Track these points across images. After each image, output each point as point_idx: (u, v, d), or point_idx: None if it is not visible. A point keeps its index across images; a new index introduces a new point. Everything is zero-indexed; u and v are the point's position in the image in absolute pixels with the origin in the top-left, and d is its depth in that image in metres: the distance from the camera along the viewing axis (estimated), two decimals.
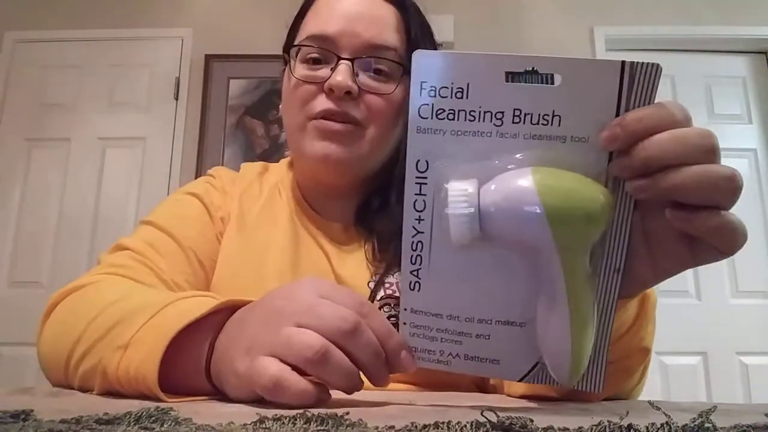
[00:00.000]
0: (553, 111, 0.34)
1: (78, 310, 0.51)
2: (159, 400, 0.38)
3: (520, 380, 0.38)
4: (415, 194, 0.36)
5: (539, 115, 0.34)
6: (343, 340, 0.36)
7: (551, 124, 0.34)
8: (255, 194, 0.74)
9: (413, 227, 0.37)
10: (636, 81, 0.33)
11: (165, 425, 0.26)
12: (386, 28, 0.67)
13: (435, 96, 0.35)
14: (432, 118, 0.35)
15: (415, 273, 0.37)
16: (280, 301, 0.39)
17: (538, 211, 0.32)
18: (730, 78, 2.67)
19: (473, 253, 0.36)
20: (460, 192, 0.34)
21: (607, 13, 2.70)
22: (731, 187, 0.32)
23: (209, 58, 2.65)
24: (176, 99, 2.63)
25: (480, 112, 0.35)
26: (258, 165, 0.79)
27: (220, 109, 2.62)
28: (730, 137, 2.55)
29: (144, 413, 0.27)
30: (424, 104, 0.35)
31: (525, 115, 0.34)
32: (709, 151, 0.32)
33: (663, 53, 2.64)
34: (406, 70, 0.66)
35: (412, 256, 0.37)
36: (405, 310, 0.38)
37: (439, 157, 0.36)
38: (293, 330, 0.36)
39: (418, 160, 0.36)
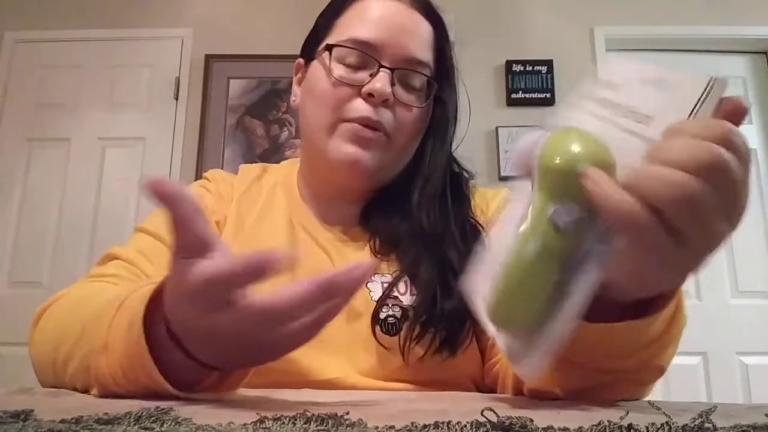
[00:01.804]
0: (650, 116, 0.36)
1: (53, 320, 0.52)
2: (160, 395, 0.38)
3: None
4: None
5: (641, 114, 0.37)
6: None
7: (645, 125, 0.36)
8: (254, 196, 0.74)
9: None
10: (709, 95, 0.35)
11: (165, 425, 0.26)
12: (424, 44, 0.68)
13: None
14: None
15: None
16: None
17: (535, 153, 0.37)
18: (730, 78, 2.66)
19: None
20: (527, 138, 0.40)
21: (607, 13, 2.70)
22: None
23: (209, 58, 2.65)
24: (176, 99, 2.64)
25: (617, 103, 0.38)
26: (257, 167, 0.79)
27: (220, 109, 2.62)
28: None
29: (144, 413, 0.27)
30: None
31: (632, 113, 0.37)
32: None
33: (663, 53, 2.64)
34: (435, 87, 0.69)
35: None
36: None
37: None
38: None
39: None
